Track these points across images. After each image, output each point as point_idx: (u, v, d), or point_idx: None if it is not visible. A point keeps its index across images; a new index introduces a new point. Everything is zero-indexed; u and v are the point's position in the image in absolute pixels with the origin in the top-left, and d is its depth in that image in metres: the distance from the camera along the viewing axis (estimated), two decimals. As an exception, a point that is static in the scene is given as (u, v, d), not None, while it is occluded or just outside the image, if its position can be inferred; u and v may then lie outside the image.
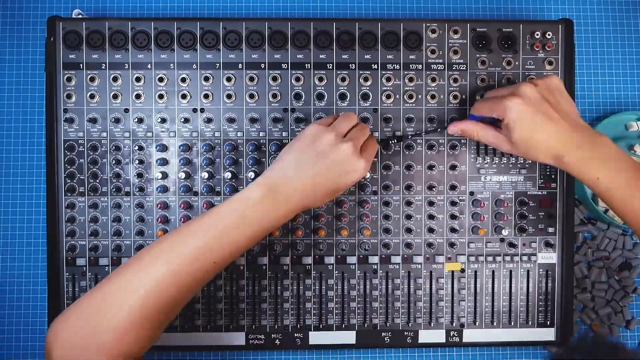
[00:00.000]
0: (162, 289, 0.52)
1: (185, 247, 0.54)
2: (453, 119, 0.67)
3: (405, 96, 0.67)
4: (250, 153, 0.67)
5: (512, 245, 0.68)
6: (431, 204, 0.68)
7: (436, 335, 0.68)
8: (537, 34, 0.67)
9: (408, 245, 0.67)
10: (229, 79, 0.66)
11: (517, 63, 0.68)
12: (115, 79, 0.66)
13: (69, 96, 0.66)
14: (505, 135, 0.60)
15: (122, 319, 0.51)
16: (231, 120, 0.67)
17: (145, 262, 0.53)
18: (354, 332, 0.68)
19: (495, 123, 0.62)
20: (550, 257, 0.68)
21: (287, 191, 0.56)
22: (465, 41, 0.67)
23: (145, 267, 0.53)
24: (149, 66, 0.66)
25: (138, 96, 0.66)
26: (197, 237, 0.54)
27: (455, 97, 0.67)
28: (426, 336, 0.68)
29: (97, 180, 0.66)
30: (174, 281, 0.53)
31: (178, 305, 0.55)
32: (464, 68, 0.68)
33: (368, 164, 0.59)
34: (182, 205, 0.66)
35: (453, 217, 0.68)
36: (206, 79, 0.66)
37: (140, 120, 0.66)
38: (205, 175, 0.66)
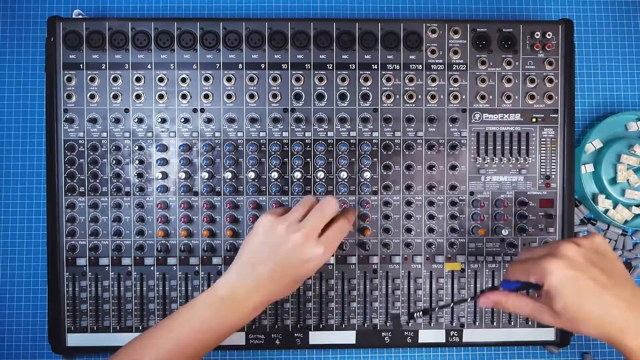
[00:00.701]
0: None
1: (155, 349, 0.53)
2: (454, 120, 0.67)
3: (405, 96, 0.67)
4: (250, 153, 0.67)
5: (512, 245, 0.68)
6: (431, 204, 0.68)
7: (436, 335, 0.68)
8: (537, 34, 0.67)
9: (408, 245, 0.67)
10: (229, 79, 0.66)
11: (517, 63, 0.68)
12: (115, 79, 0.66)
13: (69, 96, 0.66)
14: (546, 304, 0.50)
15: None
16: (231, 120, 0.67)
17: None
18: (354, 332, 0.68)
19: (532, 289, 0.53)
20: (550, 257, 0.68)
21: (244, 293, 0.54)
22: (465, 41, 0.67)
23: None
24: (149, 66, 0.66)
25: (138, 96, 0.66)
26: (158, 344, 0.53)
27: (455, 97, 0.67)
28: (426, 336, 0.68)
29: (97, 180, 0.66)
30: None
31: None
32: (464, 68, 0.68)
33: (329, 248, 0.54)
34: (182, 205, 0.66)
35: (453, 217, 0.68)
36: (206, 79, 0.66)
37: (141, 120, 0.66)
38: (206, 175, 0.66)
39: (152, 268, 0.67)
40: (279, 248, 0.54)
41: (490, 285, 0.67)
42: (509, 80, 0.68)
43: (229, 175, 0.66)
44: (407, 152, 0.67)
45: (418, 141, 0.68)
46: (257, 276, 0.54)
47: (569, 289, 0.49)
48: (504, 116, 0.68)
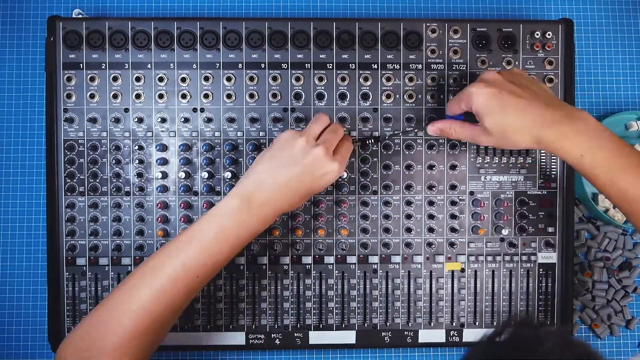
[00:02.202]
0: (148, 310, 0.54)
1: (166, 268, 0.55)
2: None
3: (405, 96, 0.67)
4: (250, 153, 0.67)
5: (512, 245, 0.68)
6: (431, 203, 0.68)
7: (436, 335, 0.68)
8: (537, 34, 0.67)
9: (408, 245, 0.67)
10: (229, 79, 0.66)
11: (517, 63, 0.68)
12: (115, 79, 0.66)
13: (69, 96, 0.66)
14: (481, 126, 0.58)
15: (117, 342, 0.52)
16: (231, 120, 0.67)
17: (130, 286, 0.55)
18: (354, 332, 0.68)
19: (473, 121, 0.60)
20: (550, 257, 0.68)
21: (262, 199, 0.56)
22: (465, 41, 0.67)
23: (130, 291, 0.55)
24: (149, 66, 0.66)
25: (138, 96, 0.66)
26: (176, 256, 0.55)
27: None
28: (426, 336, 0.68)
29: (97, 180, 0.66)
30: (159, 301, 0.54)
31: (168, 322, 0.57)
32: (464, 68, 0.68)
33: (342, 165, 0.59)
34: (182, 205, 0.66)
35: (453, 216, 0.68)
36: (206, 78, 0.66)
37: (140, 120, 0.66)
38: (205, 175, 0.66)
39: (152, 268, 0.66)
40: (300, 159, 0.57)
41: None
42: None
43: (228, 175, 0.66)
44: (407, 152, 0.67)
45: (418, 141, 0.68)
46: (275, 183, 0.56)
47: (493, 105, 0.56)
48: (504, 116, 0.68)
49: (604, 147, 0.54)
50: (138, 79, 0.66)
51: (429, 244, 0.68)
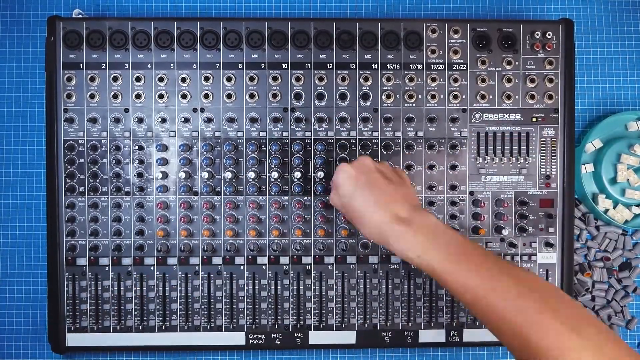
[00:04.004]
0: None
1: None
2: (454, 119, 0.67)
3: (405, 96, 0.67)
4: (250, 153, 0.67)
5: (512, 245, 0.68)
6: (431, 203, 0.68)
7: (436, 335, 0.68)
8: (537, 34, 0.67)
9: (408, 245, 0.67)
10: (229, 79, 0.66)
11: (517, 63, 0.68)
12: (115, 79, 0.66)
13: (69, 96, 0.66)
14: (338, 198, 0.59)
15: None
16: (231, 120, 0.67)
17: None
18: (354, 332, 0.68)
19: None
20: (550, 257, 0.68)
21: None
22: (465, 41, 0.67)
23: None
24: (149, 66, 0.66)
25: (138, 96, 0.66)
26: None
27: (455, 97, 0.67)
28: (426, 336, 0.68)
29: (97, 180, 0.66)
30: None
31: None
32: (464, 68, 0.68)
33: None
34: (182, 205, 0.66)
35: (453, 217, 0.68)
36: (206, 78, 0.66)
37: (140, 120, 0.66)
38: (206, 175, 0.66)
39: (152, 268, 0.67)
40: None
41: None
42: (509, 80, 0.67)
43: (229, 175, 0.66)
44: (407, 152, 0.67)
45: (418, 141, 0.68)
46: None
47: (348, 185, 0.57)
48: (504, 116, 0.68)
49: (440, 245, 0.53)
50: (138, 79, 0.66)
51: (429, 244, 0.67)
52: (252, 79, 0.66)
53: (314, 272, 0.67)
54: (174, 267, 0.67)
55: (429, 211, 0.57)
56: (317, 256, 0.67)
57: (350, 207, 0.57)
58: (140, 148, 0.66)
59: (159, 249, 0.66)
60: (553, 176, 0.68)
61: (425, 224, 0.54)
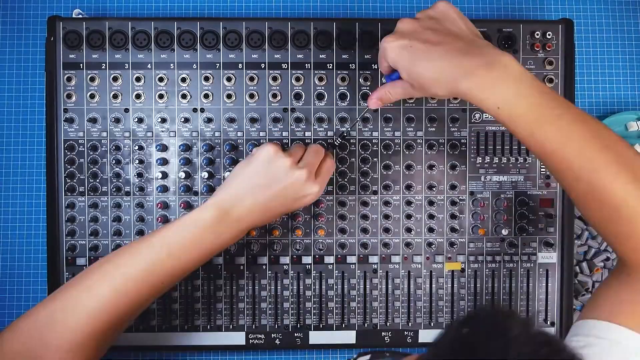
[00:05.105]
0: (107, 310, 0.53)
1: (131, 268, 0.54)
2: (454, 119, 0.67)
3: (405, 96, 0.67)
4: (250, 153, 0.67)
5: (512, 245, 0.68)
6: (431, 203, 0.68)
7: (436, 335, 0.68)
8: (537, 34, 0.67)
9: (408, 245, 0.67)
10: (229, 79, 0.66)
11: (517, 63, 0.68)
12: (115, 79, 0.66)
13: (69, 96, 0.66)
14: (403, 81, 0.55)
15: (67, 339, 0.51)
16: (231, 120, 0.67)
17: (91, 283, 0.54)
18: (354, 332, 0.68)
19: None
20: (550, 257, 0.68)
21: (239, 213, 0.57)
22: (465, 41, 0.67)
23: (89, 288, 0.53)
24: (149, 66, 0.66)
25: (138, 96, 0.66)
26: (143, 258, 0.54)
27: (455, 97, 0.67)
28: (426, 336, 0.68)
29: (97, 180, 0.66)
30: (119, 302, 0.53)
31: (124, 324, 0.56)
32: (464, 68, 0.67)
33: (322, 186, 0.60)
34: (182, 205, 0.66)
35: (453, 216, 0.68)
36: (206, 78, 0.66)
37: (140, 120, 0.66)
38: (205, 175, 0.66)
39: (152, 268, 0.66)
40: (282, 180, 0.57)
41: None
42: (509, 80, 0.67)
43: (228, 175, 0.66)
44: (407, 152, 0.67)
45: (418, 141, 0.68)
46: (254, 200, 0.57)
47: (403, 57, 0.53)
48: (504, 116, 0.68)
49: (523, 96, 0.50)
50: (138, 79, 0.66)
51: (429, 244, 0.68)
52: (252, 79, 0.67)
53: (314, 272, 0.67)
54: (174, 267, 0.67)
55: (501, 50, 0.52)
56: (317, 256, 0.67)
57: (415, 78, 0.53)
58: (140, 148, 0.66)
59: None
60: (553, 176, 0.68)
61: (502, 67, 0.50)
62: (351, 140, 0.67)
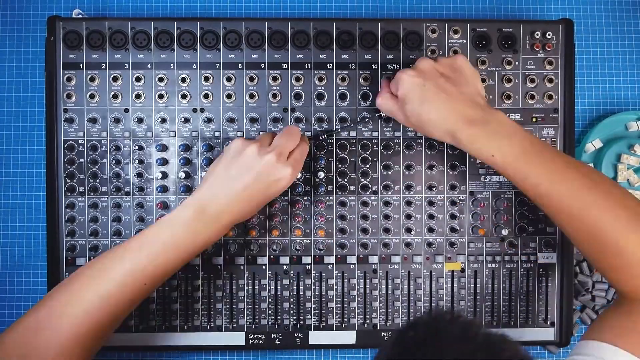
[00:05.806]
0: (92, 314, 0.53)
1: (113, 273, 0.55)
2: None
3: (405, 96, 0.67)
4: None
5: (512, 245, 0.68)
6: (431, 203, 0.68)
7: (436, 335, 0.68)
8: (537, 34, 0.67)
9: (408, 245, 0.67)
10: (229, 79, 0.66)
11: (517, 63, 0.68)
12: (115, 79, 0.66)
13: (69, 96, 0.66)
14: (401, 107, 0.60)
15: (55, 344, 0.52)
16: (231, 120, 0.67)
17: (75, 289, 0.54)
18: (354, 332, 0.68)
19: None
20: (550, 257, 0.68)
21: (216, 210, 0.57)
22: (465, 41, 0.67)
23: (74, 294, 0.54)
24: (149, 66, 0.66)
25: (138, 96, 0.66)
26: (124, 261, 0.55)
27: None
28: (426, 336, 0.67)
29: (97, 180, 0.66)
30: (104, 307, 0.54)
31: (112, 326, 0.57)
32: (464, 68, 0.67)
33: (296, 168, 0.59)
34: (182, 205, 0.66)
35: (453, 216, 0.68)
36: (206, 79, 0.66)
37: (140, 120, 0.66)
38: (205, 175, 0.66)
39: (152, 268, 0.66)
40: (253, 167, 0.57)
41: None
42: (509, 80, 0.67)
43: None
44: (407, 152, 0.67)
45: (418, 141, 0.68)
46: (229, 193, 0.57)
47: (415, 95, 0.57)
48: (504, 116, 0.68)
49: (515, 145, 0.56)
50: (138, 79, 0.66)
51: (429, 244, 0.68)
52: (252, 79, 0.67)
53: (314, 272, 0.67)
54: (174, 267, 0.67)
55: (497, 109, 0.59)
56: (317, 256, 0.67)
57: (417, 114, 0.58)
58: (140, 148, 0.66)
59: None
60: (553, 176, 0.68)
61: (497, 123, 0.56)
62: (351, 141, 0.67)
